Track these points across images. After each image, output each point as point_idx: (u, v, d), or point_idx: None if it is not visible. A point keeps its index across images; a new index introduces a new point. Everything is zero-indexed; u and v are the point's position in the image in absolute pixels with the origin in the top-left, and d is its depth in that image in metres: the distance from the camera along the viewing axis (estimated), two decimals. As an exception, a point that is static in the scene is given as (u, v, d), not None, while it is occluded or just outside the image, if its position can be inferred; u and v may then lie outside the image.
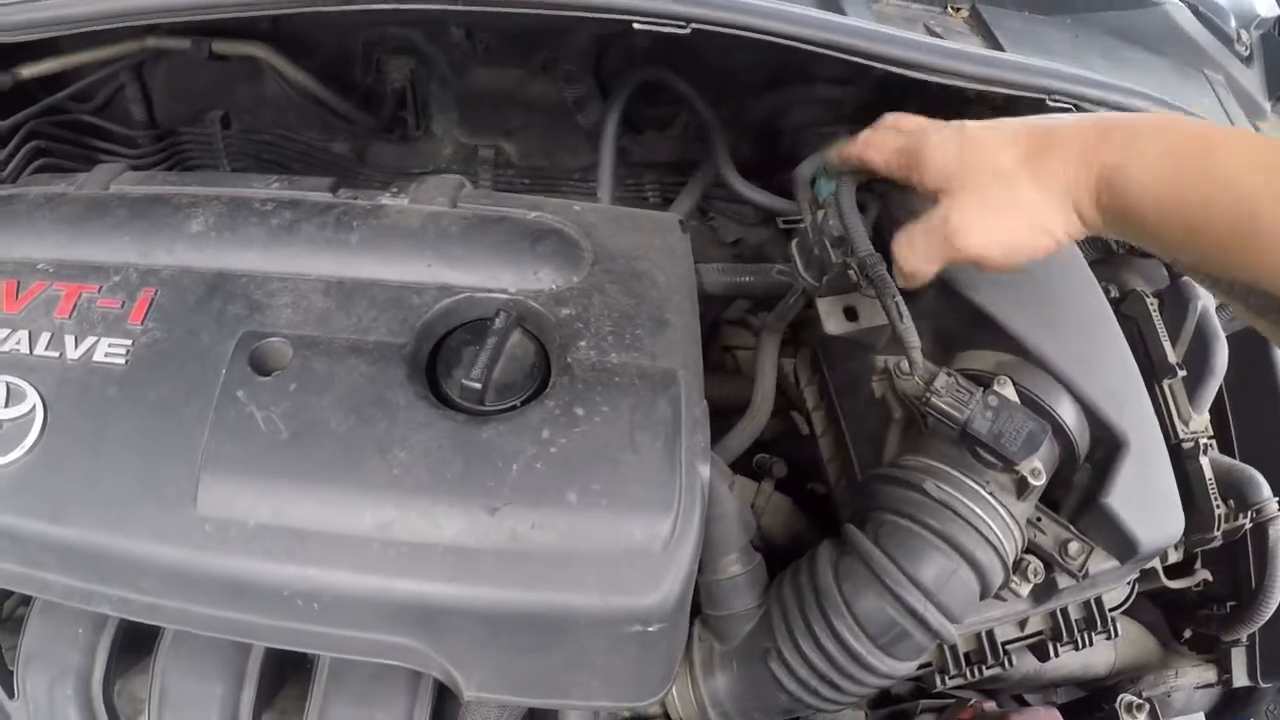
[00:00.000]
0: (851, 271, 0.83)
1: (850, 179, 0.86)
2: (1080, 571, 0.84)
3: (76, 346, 0.72)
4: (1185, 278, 1.10)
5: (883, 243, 0.82)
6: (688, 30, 0.84)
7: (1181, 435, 1.08)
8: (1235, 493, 1.10)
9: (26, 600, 0.84)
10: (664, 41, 1.22)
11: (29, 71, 1.15)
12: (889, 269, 0.77)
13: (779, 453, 1.07)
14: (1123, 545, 0.85)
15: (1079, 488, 0.87)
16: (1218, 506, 1.07)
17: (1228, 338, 1.09)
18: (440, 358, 0.75)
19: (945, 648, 0.96)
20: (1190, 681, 1.20)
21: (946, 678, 0.96)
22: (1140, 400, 0.88)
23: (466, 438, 0.68)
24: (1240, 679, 1.19)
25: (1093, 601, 0.98)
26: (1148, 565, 1.05)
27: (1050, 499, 0.87)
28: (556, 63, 1.27)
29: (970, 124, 0.71)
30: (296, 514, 0.65)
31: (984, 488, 0.77)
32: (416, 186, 0.87)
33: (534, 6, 0.90)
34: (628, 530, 0.65)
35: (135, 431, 0.69)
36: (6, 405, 0.69)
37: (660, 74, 1.25)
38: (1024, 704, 1.14)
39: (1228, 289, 0.61)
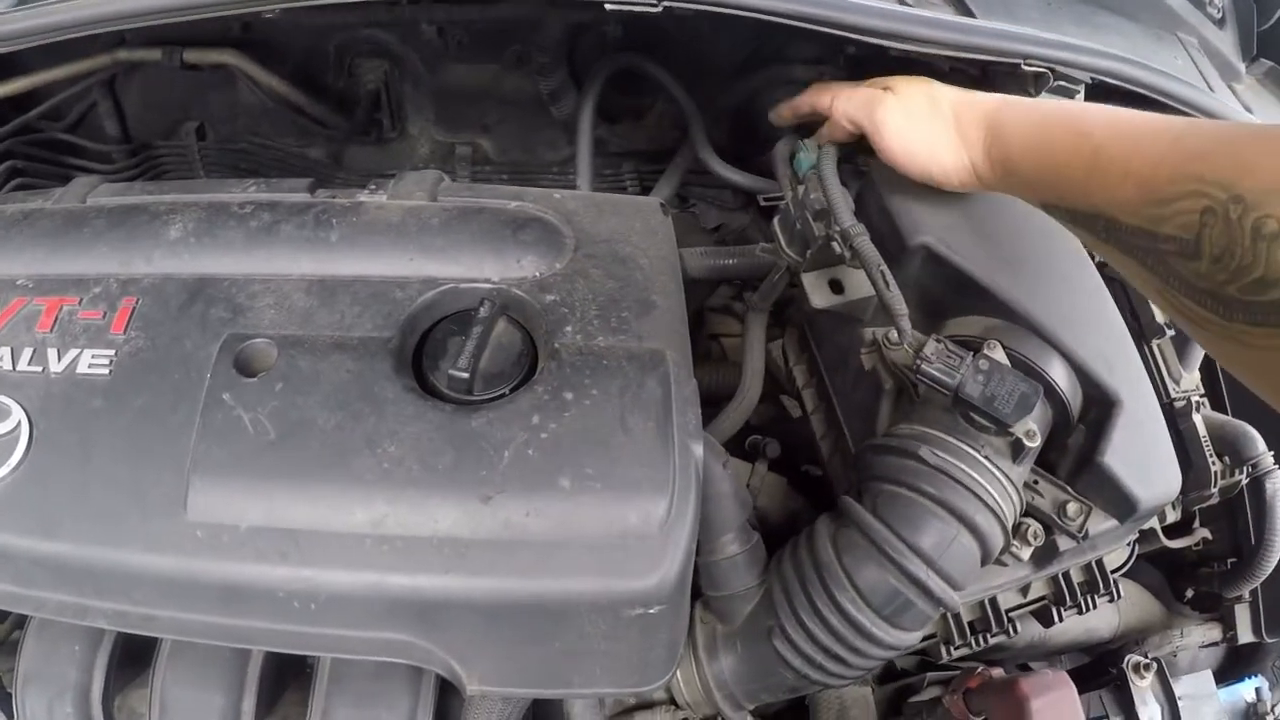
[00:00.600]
0: (835, 244, 0.83)
1: (831, 151, 0.86)
2: (1080, 532, 0.84)
3: (59, 360, 0.71)
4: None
5: (865, 217, 0.82)
6: (659, 8, 0.84)
7: (1173, 394, 1.08)
8: (1230, 449, 1.10)
9: (22, 623, 0.83)
10: (636, 29, 1.21)
11: (-2, 92, 1.14)
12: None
13: (771, 437, 1.06)
14: (1121, 504, 0.85)
15: (1074, 450, 0.87)
16: (1213, 463, 1.07)
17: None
18: (426, 350, 0.74)
19: (949, 618, 0.96)
20: (1195, 640, 1.20)
21: (951, 648, 0.96)
22: (1131, 359, 0.88)
23: (456, 428, 0.67)
24: (1245, 635, 1.20)
25: (1094, 564, 0.98)
26: (1146, 525, 1.05)
27: (1046, 462, 0.87)
28: (530, 55, 1.26)
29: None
30: (288, 514, 0.65)
31: (979, 452, 0.77)
32: (395, 182, 0.87)
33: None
34: (623, 513, 0.65)
35: (122, 441, 0.68)
36: (-10, 423, 0.68)
37: (634, 61, 1.24)
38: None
39: (1084, 221, 0.68)
